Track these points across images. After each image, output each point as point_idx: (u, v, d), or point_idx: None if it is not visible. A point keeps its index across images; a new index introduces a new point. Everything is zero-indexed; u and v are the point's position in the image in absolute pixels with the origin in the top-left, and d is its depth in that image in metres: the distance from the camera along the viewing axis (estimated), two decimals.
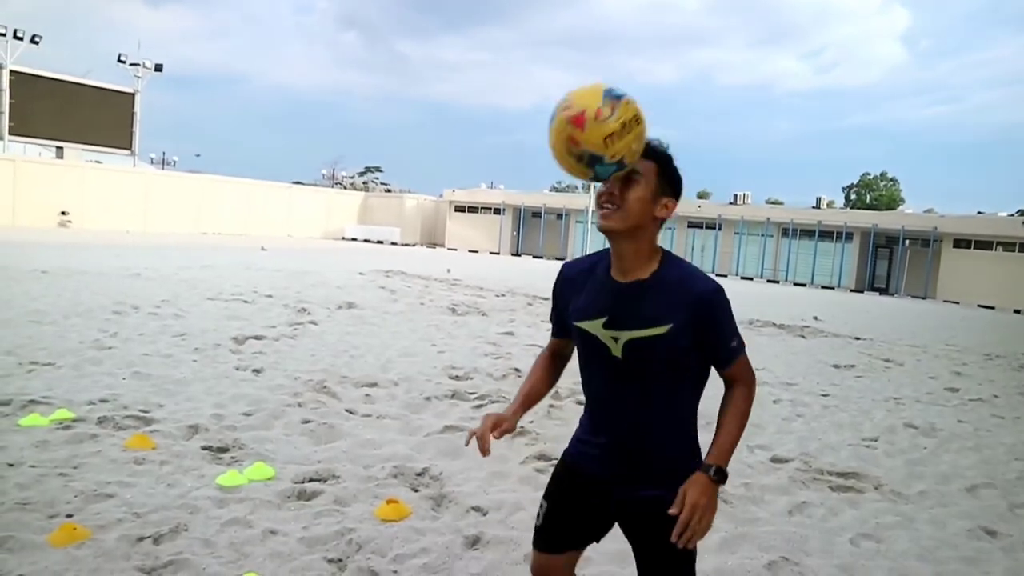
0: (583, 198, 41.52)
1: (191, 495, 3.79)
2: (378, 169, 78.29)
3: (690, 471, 1.90)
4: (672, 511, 1.81)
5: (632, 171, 1.85)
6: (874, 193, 67.54)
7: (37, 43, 32.96)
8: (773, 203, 45.64)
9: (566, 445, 2.18)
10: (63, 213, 31.13)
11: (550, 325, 2.17)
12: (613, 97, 1.76)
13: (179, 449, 4.47)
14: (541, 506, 2.16)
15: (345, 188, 58.69)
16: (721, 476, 1.89)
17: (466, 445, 2.09)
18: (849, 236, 34.16)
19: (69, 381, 5.88)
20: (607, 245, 1.97)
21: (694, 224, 38.19)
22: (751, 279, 33.83)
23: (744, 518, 3.99)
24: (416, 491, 4.08)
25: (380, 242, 39.64)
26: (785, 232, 35.59)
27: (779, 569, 3.36)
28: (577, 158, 1.76)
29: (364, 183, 71.00)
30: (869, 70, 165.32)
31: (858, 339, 12.56)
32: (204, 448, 4.52)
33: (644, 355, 1.89)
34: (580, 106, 1.75)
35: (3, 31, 31.54)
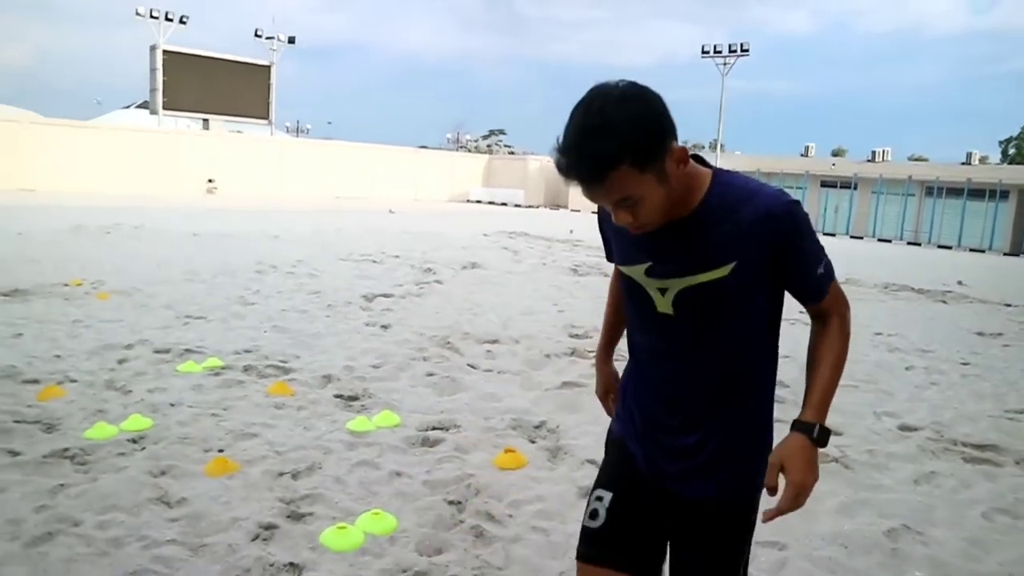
0: (709, 158, 40.20)
1: (325, 438, 4.10)
2: (501, 132, 78.89)
3: (760, 456, 1.59)
4: (770, 488, 1.50)
5: (622, 199, 1.42)
6: None
7: (185, 23, 35.24)
8: (916, 160, 42.51)
9: None
10: (210, 180, 33.38)
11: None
12: None
13: (314, 396, 4.83)
14: (598, 496, 1.71)
15: (469, 151, 59.55)
16: (823, 436, 1.52)
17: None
18: (1004, 195, 31.35)
19: (218, 333, 6.43)
20: None
21: (827, 184, 36.23)
22: (889, 241, 31.81)
23: (866, 484, 3.88)
24: (533, 443, 4.23)
25: (504, 204, 40.05)
26: (929, 191, 33.13)
27: (899, 536, 3.27)
28: None
29: (488, 146, 71.79)
30: None
31: (1008, 306, 11.63)
32: (336, 396, 4.86)
33: (702, 307, 1.54)
34: None
35: (156, 15, 33.93)
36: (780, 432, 1.62)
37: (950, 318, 9.93)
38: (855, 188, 34.93)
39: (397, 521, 3.16)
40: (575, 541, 1.73)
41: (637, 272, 1.60)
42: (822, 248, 1.55)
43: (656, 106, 1.42)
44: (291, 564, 2.79)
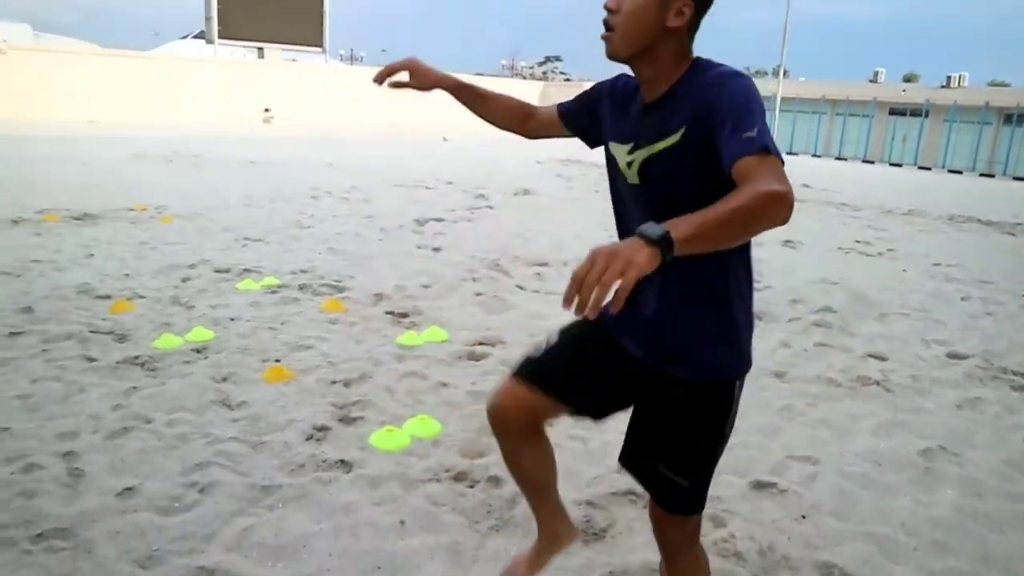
0: (771, 84, 38.76)
1: (375, 351, 4.29)
2: (557, 59, 77.25)
3: (736, 341, 1.65)
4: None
5: None
6: None
7: None
8: (997, 85, 40.23)
9: None
10: (266, 110, 33.71)
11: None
12: None
13: (366, 313, 5.02)
14: (547, 340, 1.85)
15: (525, 78, 58.57)
16: (663, 237, 1.22)
17: (376, 80, 2.04)
18: None
19: (275, 255, 6.66)
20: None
21: (896, 111, 34.66)
22: (961, 172, 30.46)
23: (906, 407, 3.90)
24: None
25: None
26: (1008, 119, 31.44)
27: (934, 456, 3.30)
28: None
29: (544, 73, 70.45)
30: None
31: None
32: (387, 313, 5.04)
33: (660, 176, 1.57)
34: None
35: None
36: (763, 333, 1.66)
37: (1016, 251, 9.61)
38: (926, 116, 33.36)
39: (442, 426, 3.33)
40: (612, 448, 1.80)
41: (621, 150, 1.67)
42: (760, 123, 1.43)
43: None
44: (342, 461, 2.98)
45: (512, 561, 2.18)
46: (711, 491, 2.82)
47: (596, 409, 1.84)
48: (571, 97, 1.95)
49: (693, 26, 1.56)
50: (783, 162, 1.40)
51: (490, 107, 2.06)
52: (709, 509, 2.70)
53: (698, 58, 1.60)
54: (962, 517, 2.81)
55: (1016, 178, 29.78)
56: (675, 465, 1.70)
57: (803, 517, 2.75)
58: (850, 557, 2.50)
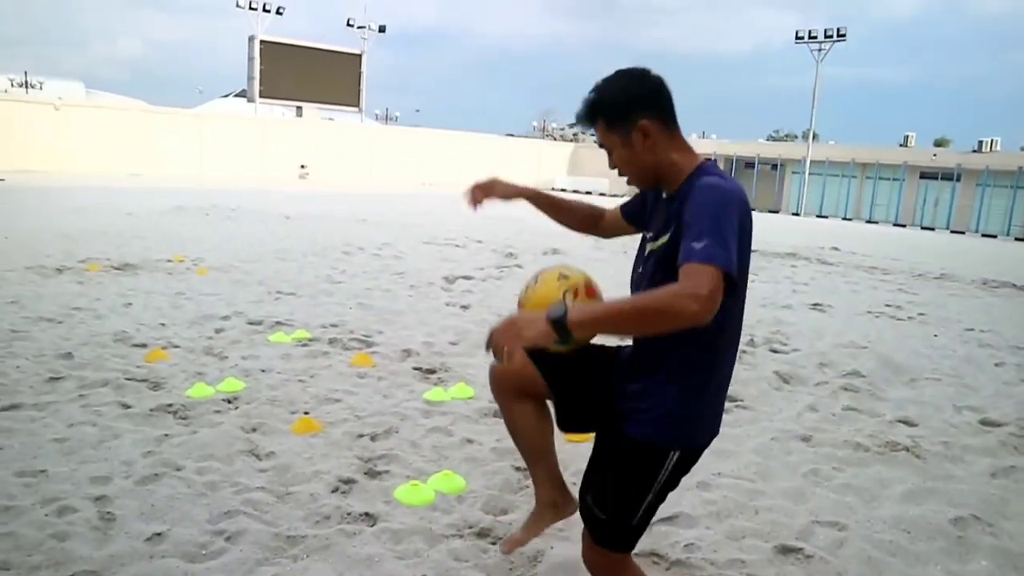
0: (800, 147, 39.02)
1: (402, 405, 4.34)
2: None
3: (685, 418, 1.81)
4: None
5: (603, 145, 1.88)
6: None
7: (281, 14, 36.61)
8: None
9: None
10: (302, 166, 34.65)
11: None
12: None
13: (394, 368, 5.08)
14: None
15: (556, 139, 59.53)
16: (558, 319, 1.56)
17: (470, 204, 2.39)
18: None
19: (307, 308, 6.79)
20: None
21: (927, 175, 34.55)
22: (994, 236, 30.11)
23: (936, 474, 3.83)
24: None
25: (589, 192, 39.94)
26: None
27: (967, 526, 3.23)
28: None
29: (574, 135, 71.52)
30: None
31: None
32: (415, 368, 5.10)
33: (657, 266, 1.79)
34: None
35: (255, 6, 35.36)
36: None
37: None
38: (958, 179, 33.22)
39: (466, 482, 3.35)
40: None
41: (648, 239, 1.94)
42: (714, 231, 1.57)
43: (639, 87, 1.82)
44: (366, 514, 3.01)
45: (512, 531, 2.31)
46: (736, 552, 2.81)
47: (566, 413, 2.11)
48: (628, 197, 2.19)
49: (669, 127, 1.82)
50: (725, 271, 1.54)
51: (564, 215, 2.33)
52: (733, 572, 2.68)
53: (704, 161, 1.83)
54: None
55: None
56: (597, 499, 1.93)
57: None
58: None
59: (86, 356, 4.87)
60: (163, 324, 5.87)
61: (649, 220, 1.97)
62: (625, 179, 1.90)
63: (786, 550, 2.91)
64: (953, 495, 3.55)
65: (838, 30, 36.51)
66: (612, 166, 1.89)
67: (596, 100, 1.83)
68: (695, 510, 3.21)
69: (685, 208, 1.67)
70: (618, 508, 1.89)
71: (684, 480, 2.05)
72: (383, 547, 2.77)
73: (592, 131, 1.89)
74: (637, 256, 1.98)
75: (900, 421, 4.61)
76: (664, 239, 1.78)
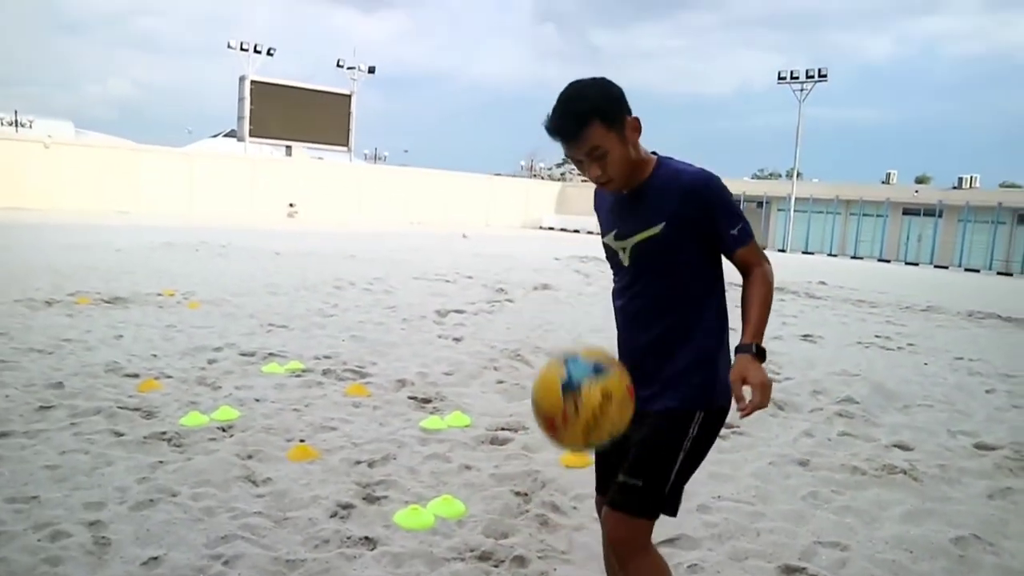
0: (785, 185, 39.55)
1: (399, 433, 4.31)
2: None
3: (702, 383, 1.96)
4: (738, 398, 1.85)
5: (592, 149, 1.88)
6: None
7: (272, 55, 37.04)
8: (1008, 187, 40.77)
9: None
10: (291, 205, 34.73)
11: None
12: (572, 390, 1.79)
13: (389, 398, 5.06)
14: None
15: (543, 179, 60.08)
16: (761, 353, 1.88)
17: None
18: None
19: (299, 340, 6.76)
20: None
21: (910, 211, 35.09)
22: (977, 271, 30.50)
23: (934, 496, 3.83)
24: None
25: (576, 231, 40.25)
26: (1021, 218, 31.71)
27: (968, 545, 3.23)
28: (574, 450, 1.93)
29: (561, 174, 72.26)
30: None
31: None
32: (410, 398, 5.07)
33: (646, 258, 1.98)
34: (547, 412, 1.84)
35: (247, 47, 35.79)
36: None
37: None
38: (940, 216, 33.73)
39: (466, 507, 3.32)
40: None
41: (611, 238, 2.07)
42: (738, 213, 1.95)
43: (616, 87, 1.92)
44: (366, 538, 2.97)
45: None
46: (740, 572, 2.80)
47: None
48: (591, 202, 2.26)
49: (639, 123, 1.95)
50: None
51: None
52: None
53: (656, 154, 2.01)
54: None
55: None
56: (632, 469, 1.95)
57: None
58: None
59: (77, 386, 4.82)
60: (155, 355, 5.83)
61: (609, 223, 2.08)
62: (601, 184, 1.98)
63: (790, 570, 2.90)
64: (952, 516, 3.55)
65: (819, 71, 37.33)
66: (597, 174, 1.92)
67: (589, 104, 1.86)
68: (696, 532, 3.19)
69: (679, 199, 1.92)
70: (654, 469, 1.95)
71: (684, 503, 2.09)
72: (383, 570, 2.74)
73: (571, 144, 1.89)
74: (614, 262, 2.09)
75: (895, 445, 4.62)
76: (654, 230, 1.95)
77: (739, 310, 1.97)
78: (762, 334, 1.92)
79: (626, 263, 2.02)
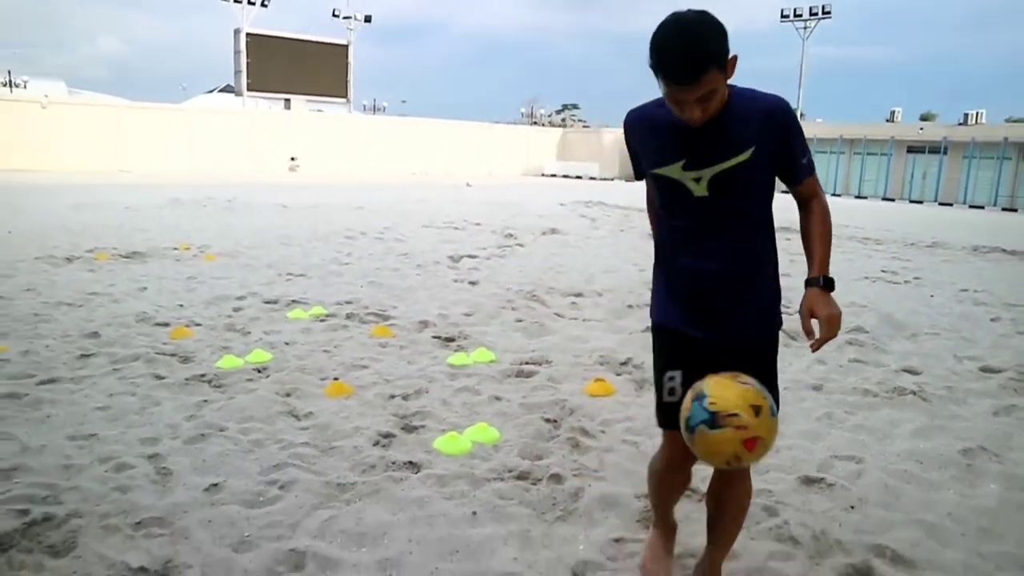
0: None
1: (428, 370, 4.48)
2: (575, 106, 78.46)
3: (776, 314, 2.09)
4: (807, 332, 1.97)
5: (706, 93, 1.81)
6: None
7: (266, 6, 36.37)
8: (1014, 122, 40.35)
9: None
10: (292, 159, 34.57)
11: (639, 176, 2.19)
12: (773, 415, 1.87)
13: (414, 338, 5.22)
14: (670, 377, 2.08)
15: (543, 126, 59.53)
16: (830, 284, 1.99)
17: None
18: None
19: (319, 288, 6.92)
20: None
21: (915, 148, 34.82)
22: (982, 207, 30.45)
23: (942, 414, 4.01)
24: (619, 375, 4.51)
25: (579, 177, 40.09)
26: None
27: (975, 456, 3.41)
28: (729, 463, 1.88)
29: (562, 120, 71.57)
30: None
31: None
32: (434, 337, 5.24)
33: (730, 186, 1.94)
34: (756, 431, 1.81)
35: None
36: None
37: None
38: (944, 153, 33.49)
39: (500, 433, 3.50)
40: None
41: (674, 170, 1.99)
42: (807, 145, 2.02)
43: (722, 25, 1.85)
44: (410, 463, 3.16)
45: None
46: (762, 483, 2.99)
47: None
48: (622, 148, 2.29)
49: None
50: None
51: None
52: (761, 500, 2.85)
53: (729, 84, 1.93)
54: (1007, 508, 2.92)
55: None
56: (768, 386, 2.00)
57: (852, 508, 2.87)
58: (900, 541, 2.62)
59: (111, 335, 4.99)
60: (181, 305, 5.99)
61: (670, 154, 1.98)
62: (694, 123, 1.87)
63: (809, 480, 3.09)
64: (960, 431, 3.74)
65: (823, 7, 36.68)
66: (699, 115, 1.85)
67: (711, 50, 1.78)
68: None
69: (763, 127, 1.92)
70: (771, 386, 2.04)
71: None
72: (430, 490, 2.92)
73: (684, 87, 1.80)
74: (676, 193, 2.00)
75: (904, 370, 4.79)
76: (743, 156, 1.92)
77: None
78: (828, 266, 2.00)
79: (701, 193, 1.96)
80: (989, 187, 32.16)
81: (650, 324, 2.24)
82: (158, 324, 5.35)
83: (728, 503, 2.23)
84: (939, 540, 2.66)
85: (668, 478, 2.30)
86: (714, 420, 1.82)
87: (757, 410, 1.83)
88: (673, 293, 2.12)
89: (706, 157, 1.94)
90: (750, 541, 2.59)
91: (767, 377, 2.02)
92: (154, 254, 8.48)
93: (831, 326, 1.95)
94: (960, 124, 35.44)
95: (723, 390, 1.85)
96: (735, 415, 1.81)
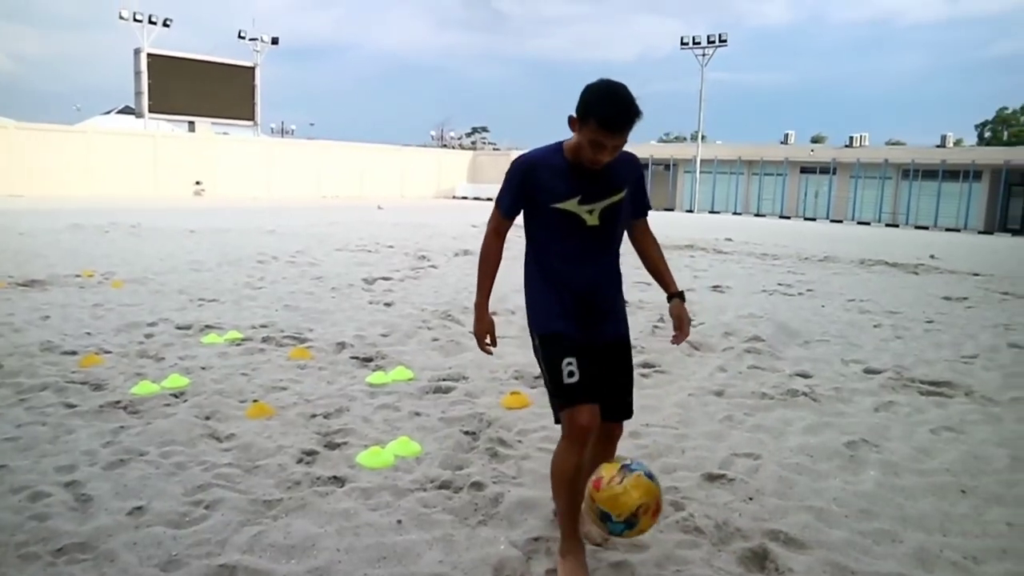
0: (690, 148, 40.83)
1: (348, 389, 4.55)
2: (484, 129, 79.35)
3: (622, 305, 2.67)
4: (677, 335, 2.69)
5: (623, 142, 2.36)
6: (1013, 129, 62.50)
7: (168, 26, 35.42)
8: (893, 144, 43.29)
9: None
10: (197, 183, 33.62)
11: (503, 210, 2.60)
12: (628, 470, 2.32)
13: (332, 359, 5.27)
14: (568, 363, 2.44)
15: (453, 148, 59.85)
16: (682, 297, 2.72)
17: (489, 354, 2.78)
18: (977, 175, 32.17)
19: (233, 312, 6.85)
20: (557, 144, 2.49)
21: (807, 169, 36.91)
22: (868, 224, 32.53)
23: (830, 412, 4.37)
24: (534, 388, 4.69)
25: (490, 199, 40.47)
26: (906, 174, 33.90)
27: (858, 448, 3.76)
28: (595, 513, 2.33)
29: (473, 143, 72.16)
30: None
31: (976, 275, 12.23)
32: (352, 358, 5.31)
33: (613, 217, 2.50)
34: (656, 501, 2.32)
35: (140, 18, 34.09)
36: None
37: (920, 286, 10.50)
38: (834, 173, 35.62)
39: (422, 446, 3.61)
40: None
41: (571, 204, 2.47)
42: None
43: None
44: (334, 477, 3.24)
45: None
46: (670, 481, 3.22)
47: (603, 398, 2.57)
48: (504, 187, 2.61)
49: None
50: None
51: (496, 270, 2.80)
52: (670, 496, 3.07)
53: None
54: (883, 491, 3.24)
55: (918, 227, 31.90)
56: (629, 392, 2.66)
57: (750, 499, 3.13)
58: (793, 525, 2.88)
59: (15, 366, 4.83)
60: (88, 333, 5.83)
61: (566, 191, 2.45)
62: (598, 165, 2.40)
63: (712, 477, 3.34)
64: (845, 426, 4.09)
65: (720, 36, 38.54)
66: (608, 158, 2.38)
67: (636, 110, 2.31)
68: (630, 453, 3.58)
69: (630, 173, 2.56)
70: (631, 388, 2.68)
71: None
72: (356, 502, 3.01)
73: (615, 136, 2.30)
74: (570, 223, 2.48)
75: (797, 374, 5.18)
76: (620, 195, 2.51)
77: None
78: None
79: (593, 222, 2.48)
80: (874, 204, 34.35)
81: (537, 336, 2.57)
82: (65, 353, 5.20)
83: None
84: (826, 522, 2.94)
85: (577, 459, 2.47)
86: (630, 523, 2.30)
87: (648, 489, 2.30)
88: (563, 304, 2.52)
89: (597, 194, 2.47)
90: (659, 533, 2.80)
91: (629, 361, 2.64)
92: (55, 282, 8.18)
93: (688, 327, 2.70)
94: (846, 146, 37.79)
95: (615, 503, 2.28)
96: (639, 508, 2.28)
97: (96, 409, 4.02)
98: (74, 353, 5.19)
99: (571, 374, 2.43)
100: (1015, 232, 31.19)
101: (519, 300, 7.92)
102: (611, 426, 2.63)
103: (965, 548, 2.79)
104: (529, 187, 2.50)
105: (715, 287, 9.33)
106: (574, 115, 2.36)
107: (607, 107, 2.27)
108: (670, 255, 14.07)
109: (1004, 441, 4.00)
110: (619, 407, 2.62)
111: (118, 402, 4.15)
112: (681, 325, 2.66)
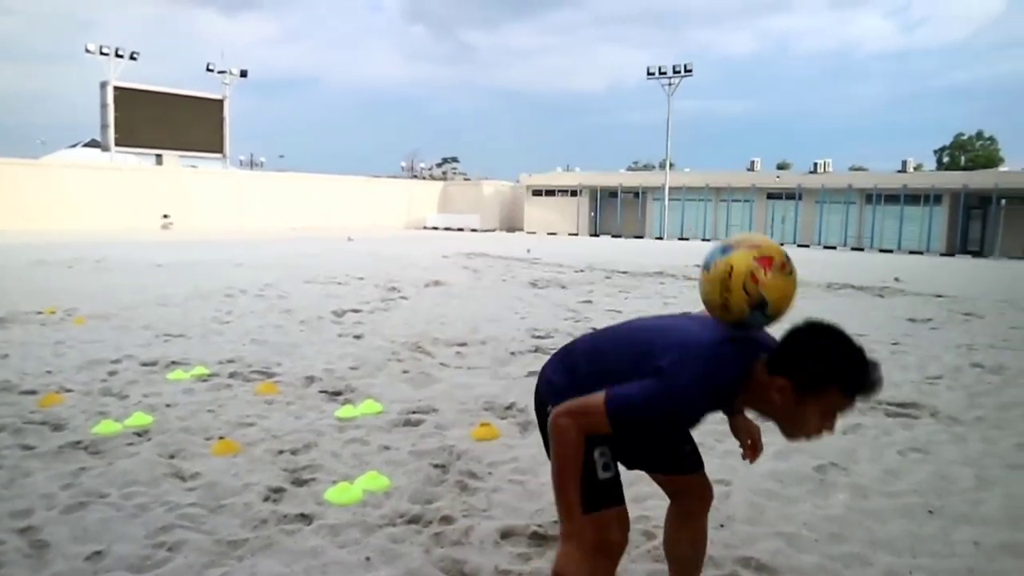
0: (658, 176, 41.36)
1: (316, 424, 4.49)
2: (455, 160, 79.78)
3: None
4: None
5: None
6: (969, 154, 64.35)
7: (135, 59, 35.27)
8: (856, 169, 44.28)
9: None
10: (165, 216, 33.27)
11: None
12: (704, 269, 2.01)
13: (300, 393, 5.21)
14: (602, 453, 2.02)
15: (424, 179, 60.03)
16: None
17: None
18: (938, 199, 32.95)
19: (200, 347, 6.75)
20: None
21: (773, 195, 37.53)
22: (834, 248, 33.10)
23: None
24: (504, 419, 4.67)
25: (460, 229, 40.59)
26: (869, 198, 34.61)
27: (827, 471, 3.79)
28: (745, 287, 1.91)
29: (443, 173, 72.50)
30: (963, 24, 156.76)
31: (940, 296, 12.47)
32: (321, 392, 5.24)
33: None
34: (768, 252, 1.93)
35: (107, 51, 33.94)
36: None
37: (885, 308, 10.68)
38: (799, 198, 36.27)
39: (391, 481, 3.57)
40: (548, 489, 2.16)
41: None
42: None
43: None
44: (302, 515, 3.18)
45: None
46: (641, 511, 3.20)
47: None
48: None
49: None
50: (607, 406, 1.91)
51: None
52: (640, 526, 3.06)
53: None
54: (852, 514, 3.26)
55: (882, 250, 32.53)
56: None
57: (721, 526, 3.13)
58: (764, 551, 2.88)
59: None
60: (49, 371, 5.70)
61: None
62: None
63: None
64: (814, 450, 4.11)
65: (685, 66, 39.29)
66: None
67: None
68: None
69: None
70: None
71: None
72: (323, 540, 2.96)
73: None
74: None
75: None
76: None
77: None
78: None
79: None
80: (839, 229, 34.99)
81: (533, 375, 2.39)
82: (23, 392, 5.07)
83: (699, 540, 2.38)
84: (796, 547, 2.94)
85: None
86: (725, 248, 1.97)
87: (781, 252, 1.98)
88: None
89: None
90: (631, 564, 2.78)
91: None
92: (15, 319, 8.00)
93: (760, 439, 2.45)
94: (811, 172, 38.54)
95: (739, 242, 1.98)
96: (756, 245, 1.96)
97: (55, 450, 3.91)
98: (34, 392, 5.06)
99: (606, 466, 2.03)
100: (975, 254, 31.95)
101: (492, 329, 8.00)
102: (700, 477, 2.39)
103: (934, 569, 2.81)
104: (709, 407, 2.01)
105: (685, 314, 9.38)
106: (789, 378, 1.84)
107: (867, 373, 1.81)
108: (640, 282, 14.16)
109: (969, 460, 4.06)
110: (696, 456, 2.40)
111: (79, 442, 4.04)
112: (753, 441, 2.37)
